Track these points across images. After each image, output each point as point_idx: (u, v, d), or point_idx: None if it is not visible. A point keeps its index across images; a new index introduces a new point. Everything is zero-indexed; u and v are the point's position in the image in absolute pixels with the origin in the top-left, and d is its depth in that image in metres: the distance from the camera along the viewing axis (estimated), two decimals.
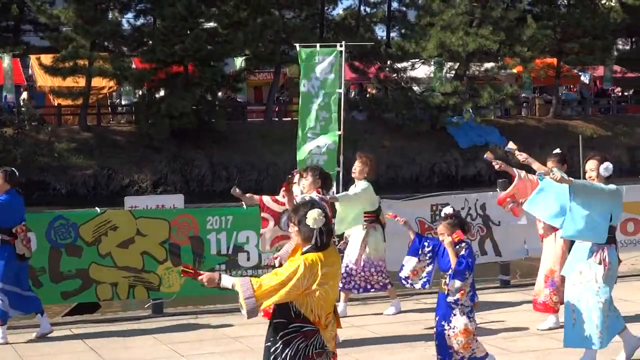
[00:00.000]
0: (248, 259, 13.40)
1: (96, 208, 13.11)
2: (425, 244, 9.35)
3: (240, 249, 13.37)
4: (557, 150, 12.33)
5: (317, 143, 14.66)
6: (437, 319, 9.28)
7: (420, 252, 9.36)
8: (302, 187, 11.23)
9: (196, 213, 13.42)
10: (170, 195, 23.96)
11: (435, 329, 9.32)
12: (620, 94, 60.74)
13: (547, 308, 11.92)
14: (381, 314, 13.01)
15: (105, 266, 12.75)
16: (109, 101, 49.51)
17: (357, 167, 12.69)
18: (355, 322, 12.30)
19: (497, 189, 15.31)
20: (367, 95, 51.97)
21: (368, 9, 51.74)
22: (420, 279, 9.43)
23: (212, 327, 12.39)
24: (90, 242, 12.61)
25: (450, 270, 9.11)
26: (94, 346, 11.50)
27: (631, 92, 60.28)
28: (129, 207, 13.71)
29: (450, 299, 9.15)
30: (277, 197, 11.21)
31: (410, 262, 9.43)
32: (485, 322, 12.30)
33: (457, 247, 9.10)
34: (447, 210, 9.34)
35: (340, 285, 12.62)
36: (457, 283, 9.11)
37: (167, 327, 12.45)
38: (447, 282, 9.15)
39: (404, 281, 9.55)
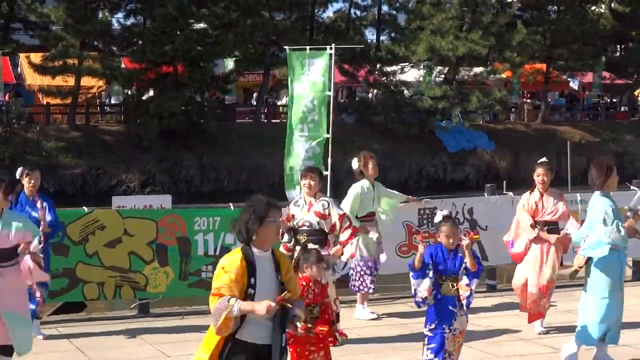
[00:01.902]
0: None
1: (84, 207, 13.10)
2: (425, 260, 9.24)
3: (227, 250, 13.32)
4: (545, 159, 12.38)
5: (305, 146, 14.65)
6: (436, 322, 9.19)
7: (427, 271, 9.24)
8: (306, 188, 11.15)
9: (184, 214, 13.42)
10: (158, 195, 23.88)
11: (431, 333, 9.23)
12: (608, 100, 61.07)
13: (540, 315, 12.12)
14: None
15: (92, 266, 12.74)
16: (98, 100, 49.41)
17: (375, 166, 12.82)
18: (340, 325, 12.30)
19: (485, 194, 15.35)
20: (357, 98, 52.05)
21: (358, 12, 51.73)
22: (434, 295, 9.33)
23: (198, 328, 12.36)
24: (77, 241, 12.60)
25: (464, 270, 9.12)
26: (80, 345, 11.49)
27: (619, 98, 60.48)
28: (117, 206, 13.70)
29: (470, 299, 9.18)
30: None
31: (422, 284, 9.21)
32: (472, 326, 12.33)
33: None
34: (445, 212, 9.34)
35: None
36: (477, 282, 9.18)
37: (153, 328, 12.44)
38: (468, 282, 9.14)
39: (422, 304, 9.34)
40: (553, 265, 12.11)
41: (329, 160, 14.60)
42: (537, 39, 48.58)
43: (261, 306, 6.68)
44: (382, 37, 52.52)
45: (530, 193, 12.12)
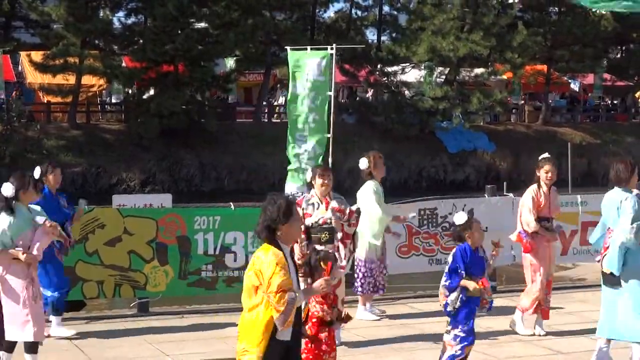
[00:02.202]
0: (235, 260, 13.40)
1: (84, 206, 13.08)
2: (458, 265, 9.29)
3: (227, 250, 13.36)
4: (548, 155, 12.33)
5: (305, 146, 14.64)
6: (468, 323, 9.31)
7: (460, 272, 9.30)
8: (324, 187, 11.24)
9: (184, 213, 13.42)
10: (158, 194, 23.86)
11: (464, 334, 9.33)
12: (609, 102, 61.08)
13: (548, 313, 12.17)
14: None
15: (92, 264, 12.73)
16: (98, 99, 49.40)
17: (383, 166, 12.88)
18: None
19: (485, 195, 15.33)
20: (357, 99, 52.05)
21: (359, 12, 51.70)
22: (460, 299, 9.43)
23: (198, 327, 12.38)
24: (77, 239, 12.58)
25: (486, 273, 9.37)
26: (80, 344, 11.48)
27: (620, 100, 60.46)
28: (117, 205, 13.68)
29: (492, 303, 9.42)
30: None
31: (453, 294, 9.31)
32: None
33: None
34: (463, 213, 9.50)
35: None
36: None
37: (153, 327, 12.44)
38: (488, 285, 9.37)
39: (452, 312, 9.45)
40: (553, 261, 12.21)
41: (330, 160, 14.58)
42: (538, 40, 48.58)
43: (318, 285, 7.17)
44: (383, 38, 52.53)
45: (539, 188, 12.02)
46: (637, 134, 52.19)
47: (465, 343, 9.28)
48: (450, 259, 9.26)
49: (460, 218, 9.33)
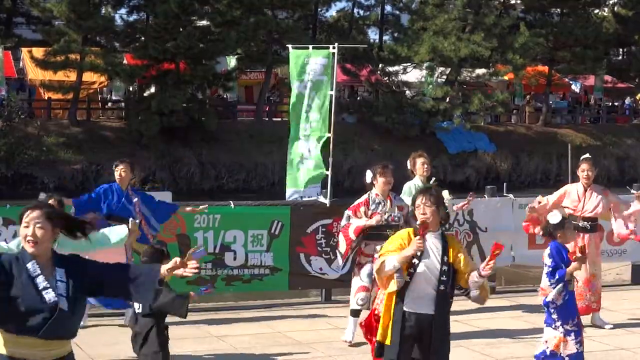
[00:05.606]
0: (235, 259, 13.39)
1: None
2: (558, 262, 9.51)
3: (227, 248, 13.35)
4: (589, 155, 12.43)
5: (306, 145, 14.61)
6: (574, 316, 9.53)
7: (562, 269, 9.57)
8: (388, 185, 11.52)
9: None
10: (158, 192, 23.88)
11: (576, 327, 9.50)
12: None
13: (588, 310, 12.13)
14: None
15: None
16: (99, 96, 49.41)
17: (422, 165, 13.01)
18: (339, 324, 12.28)
19: (485, 195, 15.32)
20: (358, 98, 52.05)
21: (361, 12, 51.82)
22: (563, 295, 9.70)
23: (196, 326, 12.36)
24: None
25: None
26: (77, 341, 11.40)
27: (621, 102, 60.45)
28: None
29: None
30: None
31: (558, 287, 9.54)
32: (470, 327, 12.31)
33: None
34: (558, 214, 9.76)
35: None
36: None
37: None
38: None
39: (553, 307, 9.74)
40: (593, 260, 12.07)
41: (330, 159, 14.54)
42: (539, 42, 48.59)
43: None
44: (385, 37, 52.65)
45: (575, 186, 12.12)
46: (637, 136, 52.21)
47: (580, 338, 9.47)
48: (548, 260, 9.41)
49: (554, 218, 9.55)
